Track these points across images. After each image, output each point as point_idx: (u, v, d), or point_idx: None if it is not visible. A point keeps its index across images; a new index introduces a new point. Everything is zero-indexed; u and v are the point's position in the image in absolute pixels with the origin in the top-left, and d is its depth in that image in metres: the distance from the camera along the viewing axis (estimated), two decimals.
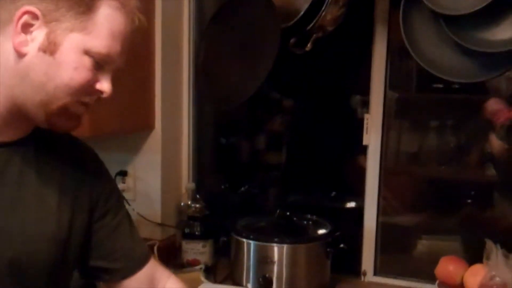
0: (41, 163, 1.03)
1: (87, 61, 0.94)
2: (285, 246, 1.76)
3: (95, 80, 0.97)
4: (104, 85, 0.98)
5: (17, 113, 0.97)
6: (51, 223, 1.03)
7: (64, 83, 0.93)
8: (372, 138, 1.93)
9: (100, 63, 0.96)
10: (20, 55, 0.93)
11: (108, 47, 0.95)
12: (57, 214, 1.04)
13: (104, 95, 0.99)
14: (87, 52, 0.94)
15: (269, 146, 2.27)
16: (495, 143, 1.86)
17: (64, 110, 0.96)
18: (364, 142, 1.94)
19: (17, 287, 0.99)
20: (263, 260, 1.77)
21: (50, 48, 0.92)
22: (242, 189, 2.23)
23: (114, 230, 1.16)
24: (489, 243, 1.50)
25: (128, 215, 1.21)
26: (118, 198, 1.20)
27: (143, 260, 1.19)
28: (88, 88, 0.96)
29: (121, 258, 1.16)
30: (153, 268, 1.21)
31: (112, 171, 1.27)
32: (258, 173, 2.28)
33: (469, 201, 1.94)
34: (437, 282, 1.58)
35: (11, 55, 0.93)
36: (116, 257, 1.16)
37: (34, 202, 1.01)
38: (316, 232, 1.90)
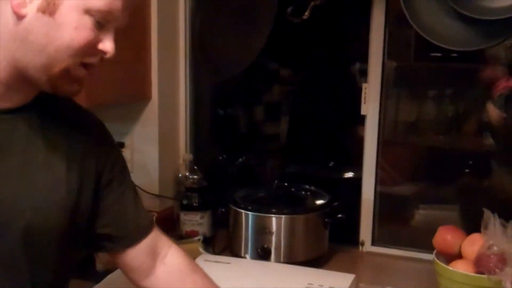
0: (47, 129, 1.01)
1: (88, 21, 0.91)
2: (283, 217, 1.76)
3: (97, 40, 0.94)
4: (107, 45, 0.95)
5: (20, 77, 0.94)
6: (60, 190, 1.01)
7: (65, 44, 0.91)
8: (370, 107, 1.92)
9: (101, 22, 0.93)
10: (19, 17, 0.90)
11: (109, 4, 0.92)
12: (66, 180, 1.02)
13: (107, 56, 0.96)
14: (87, 11, 0.91)
15: (267, 116, 2.27)
16: (493, 112, 1.86)
17: (66, 73, 0.93)
18: (362, 112, 1.93)
19: (30, 257, 0.98)
20: (261, 231, 1.78)
21: (49, 9, 0.89)
22: (240, 160, 2.22)
23: (119, 198, 1.14)
24: (487, 213, 1.49)
25: (132, 184, 1.20)
26: (123, 166, 1.18)
27: (147, 228, 1.18)
28: (90, 49, 0.94)
29: (126, 226, 1.15)
30: (156, 238, 1.20)
31: None
32: (256, 143, 2.28)
33: (466, 170, 1.94)
34: (434, 251, 1.58)
35: (10, 18, 0.91)
36: (121, 225, 1.15)
37: (43, 169, 1.00)
38: (314, 203, 1.90)
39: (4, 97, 0.96)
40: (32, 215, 0.97)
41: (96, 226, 1.12)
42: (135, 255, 1.16)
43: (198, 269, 1.21)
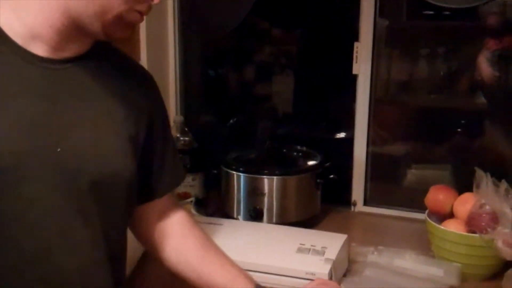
0: (104, 78, 1.04)
1: None
2: (275, 178, 1.76)
3: None
4: None
5: (74, 26, 0.95)
6: (122, 137, 1.04)
7: None
8: (362, 67, 1.90)
9: None
10: None
11: None
12: (125, 128, 1.05)
13: (155, 2, 0.98)
14: None
15: (258, 77, 2.24)
16: (486, 70, 1.84)
17: (119, 19, 0.95)
18: (354, 71, 1.91)
19: (99, 202, 1.01)
20: (254, 192, 1.77)
21: None
22: (231, 121, 2.21)
23: (163, 149, 1.18)
24: (479, 172, 1.49)
25: (173, 138, 1.24)
26: (168, 119, 1.22)
27: (174, 185, 1.24)
28: None
29: (162, 179, 1.19)
30: (172, 196, 1.26)
31: None
32: (247, 104, 2.25)
33: (459, 130, 1.93)
34: (426, 211, 1.58)
35: None
36: (159, 177, 1.18)
37: (105, 117, 1.02)
38: (306, 163, 1.89)
39: (61, 47, 0.97)
40: (99, 162, 1.00)
41: (142, 176, 1.14)
42: (152, 207, 1.20)
43: (199, 227, 1.25)
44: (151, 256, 1.27)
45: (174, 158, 1.22)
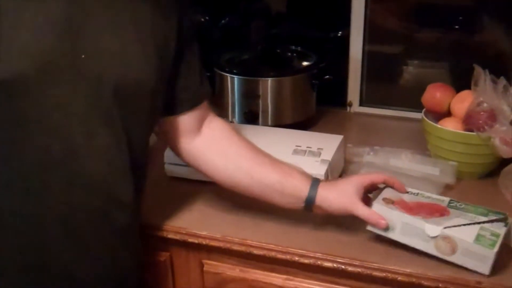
0: None
1: None
2: (269, 80, 1.72)
3: None
4: None
5: None
6: (148, 46, 1.05)
7: None
8: None
9: None
10: None
11: None
12: (152, 37, 1.06)
13: None
14: None
15: None
16: None
17: None
18: None
19: (123, 110, 1.02)
20: (248, 95, 1.75)
21: None
22: (223, 21, 2.14)
23: (191, 60, 1.19)
24: (478, 69, 1.46)
25: (199, 49, 1.22)
26: (194, 29, 1.20)
27: (206, 95, 1.25)
28: None
29: (191, 90, 1.21)
30: (207, 106, 1.26)
31: None
32: (240, 3, 2.18)
33: (456, 26, 1.88)
34: (423, 110, 1.56)
35: None
36: (188, 88, 1.20)
37: (131, 25, 1.03)
38: (300, 64, 1.86)
39: None
40: (124, 69, 1.01)
41: (169, 87, 1.15)
42: (189, 119, 1.22)
43: (239, 133, 1.28)
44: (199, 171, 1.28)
45: (200, 71, 1.22)
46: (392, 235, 1.16)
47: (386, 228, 1.16)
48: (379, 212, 1.16)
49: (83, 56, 0.96)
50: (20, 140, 0.95)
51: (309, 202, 1.18)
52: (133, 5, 1.03)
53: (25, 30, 0.91)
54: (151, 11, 1.05)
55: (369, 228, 1.18)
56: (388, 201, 1.18)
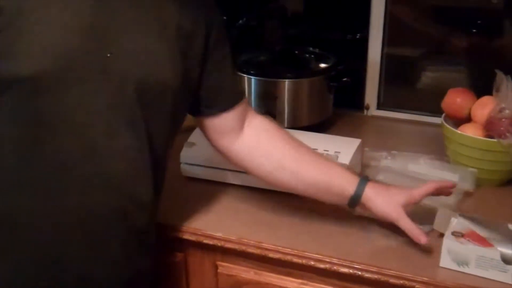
0: None
1: None
2: (286, 81, 1.71)
3: None
4: None
5: None
6: (172, 47, 1.05)
7: None
8: None
9: None
10: None
11: None
12: (178, 36, 1.05)
13: None
14: None
15: None
16: None
17: None
18: None
19: (145, 111, 1.02)
20: (265, 96, 1.73)
21: None
22: (241, 21, 2.13)
23: (221, 62, 1.18)
24: (499, 74, 1.43)
25: (231, 50, 1.21)
26: (224, 31, 1.19)
27: (241, 95, 1.24)
28: None
29: (225, 90, 1.20)
30: (246, 106, 1.25)
31: None
32: (257, 3, 2.17)
33: (475, 30, 1.85)
34: (443, 115, 1.54)
35: None
36: (222, 89, 1.19)
37: (156, 26, 1.03)
38: (318, 66, 1.84)
39: None
40: (148, 69, 1.01)
41: (199, 87, 1.15)
42: (227, 119, 1.21)
43: (282, 129, 1.26)
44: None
45: (233, 72, 1.24)
46: (468, 270, 1.13)
47: (460, 263, 1.13)
48: (451, 247, 1.13)
49: (108, 55, 0.96)
50: (41, 139, 0.95)
51: (354, 200, 1.19)
52: (159, 4, 1.03)
53: (51, 27, 0.91)
54: (177, 11, 1.05)
55: (442, 265, 1.15)
56: (457, 235, 1.15)
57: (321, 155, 1.24)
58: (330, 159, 1.23)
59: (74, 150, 0.96)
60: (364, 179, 1.19)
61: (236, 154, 1.24)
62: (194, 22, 1.08)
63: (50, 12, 0.91)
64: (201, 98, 1.17)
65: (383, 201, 1.18)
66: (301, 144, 1.24)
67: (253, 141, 1.23)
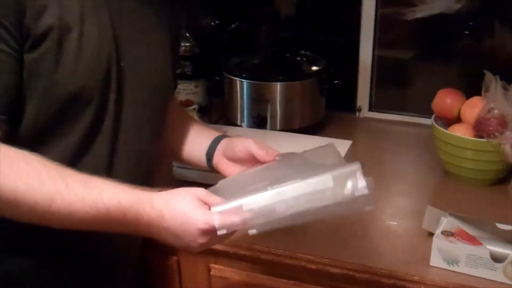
0: None
1: None
2: (278, 84, 1.72)
3: None
4: None
5: None
6: (167, 49, 1.10)
7: None
8: None
9: None
10: None
11: None
12: (168, 39, 1.10)
13: None
14: None
15: None
16: None
17: None
18: None
19: (152, 117, 1.07)
20: (257, 99, 1.74)
21: None
22: (233, 25, 2.14)
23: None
24: (488, 75, 1.45)
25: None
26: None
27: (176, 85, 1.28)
28: None
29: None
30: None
31: None
32: (249, 8, 2.18)
33: (466, 32, 1.87)
34: (433, 115, 1.55)
35: None
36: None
37: (155, 31, 1.06)
38: (310, 69, 1.85)
39: None
40: (156, 75, 1.06)
41: None
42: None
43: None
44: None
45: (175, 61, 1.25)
46: (458, 268, 1.14)
47: (450, 261, 1.14)
48: (441, 246, 1.13)
49: (121, 64, 0.98)
50: (89, 146, 0.99)
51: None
52: (156, 11, 1.06)
53: (87, 42, 0.92)
54: (168, 15, 1.09)
55: (432, 264, 1.15)
56: (447, 234, 1.16)
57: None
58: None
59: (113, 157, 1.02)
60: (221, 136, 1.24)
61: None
62: (177, 24, 1.14)
63: (85, 27, 0.92)
64: None
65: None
66: (190, 117, 1.33)
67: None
